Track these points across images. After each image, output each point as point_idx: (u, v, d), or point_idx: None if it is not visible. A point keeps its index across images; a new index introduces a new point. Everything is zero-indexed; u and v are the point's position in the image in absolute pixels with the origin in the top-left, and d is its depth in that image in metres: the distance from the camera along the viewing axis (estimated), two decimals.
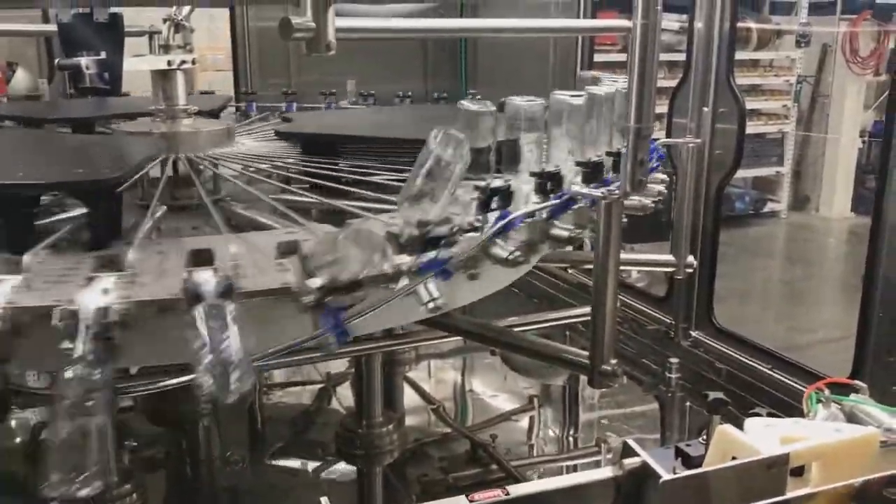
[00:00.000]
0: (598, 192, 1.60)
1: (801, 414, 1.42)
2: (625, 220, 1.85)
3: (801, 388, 1.53)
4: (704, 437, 1.32)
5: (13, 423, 2.92)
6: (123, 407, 2.65)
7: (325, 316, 1.24)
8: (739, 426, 1.27)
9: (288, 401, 3.49)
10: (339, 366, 3.43)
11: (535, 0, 2.87)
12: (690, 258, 2.51)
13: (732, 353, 3.14)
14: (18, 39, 5.54)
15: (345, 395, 3.26)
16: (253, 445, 2.85)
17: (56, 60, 2.56)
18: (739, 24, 7.69)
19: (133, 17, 2.24)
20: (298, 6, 1.45)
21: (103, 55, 2.13)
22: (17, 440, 2.91)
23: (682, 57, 3.34)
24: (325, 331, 1.25)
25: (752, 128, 8.00)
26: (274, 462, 2.96)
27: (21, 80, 5.50)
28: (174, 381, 1.80)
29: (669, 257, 2.53)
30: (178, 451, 2.49)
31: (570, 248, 2.47)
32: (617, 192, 1.58)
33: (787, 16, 8.36)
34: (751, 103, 8.12)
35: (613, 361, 1.67)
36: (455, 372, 3.93)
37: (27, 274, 1.26)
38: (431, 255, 1.30)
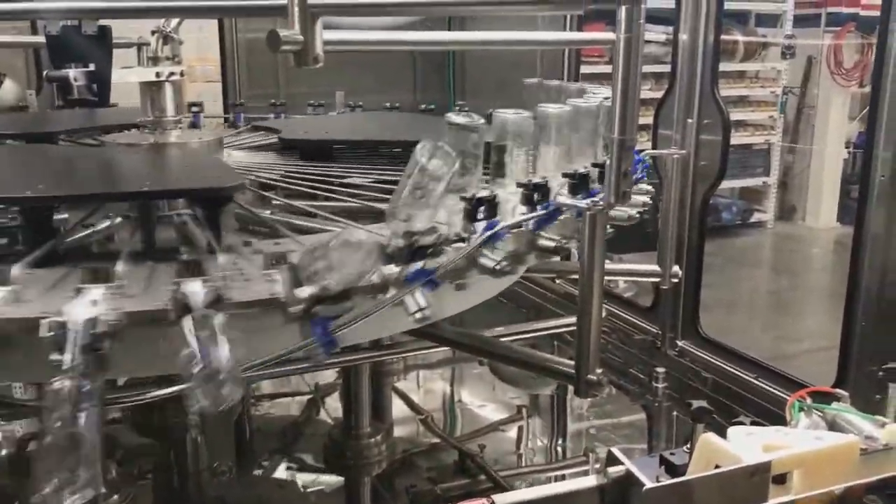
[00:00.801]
0: (582, 203, 1.62)
1: (784, 422, 1.44)
2: (610, 230, 1.87)
3: (785, 396, 1.55)
4: (689, 445, 1.33)
5: None
6: (111, 418, 2.65)
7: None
8: (724, 434, 1.28)
9: (276, 412, 3.48)
10: (327, 377, 3.44)
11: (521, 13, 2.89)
12: (676, 268, 2.53)
13: (718, 363, 3.15)
14: (6, 50, 5.53)
15: (333, 406, 3.26)
16: (241, 457, 2.84)
17: (44, 72, 2.56)
18: (726, 37, 7.78)
19: (121, 28, 2.25)
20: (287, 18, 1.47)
21: (92, 67, 2.14)
22: (3, 452, 2.89)
23: (668, 68, 3.38)
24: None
25: (738, 138, 8.06)
26: (262, 474, 2.96)
27: (9, 90, 5.48)
28: (162, 392, 1.80)
29: (655, 267, 2.55)
30: (165, 462, 2.48)
31: (557, 258, 2.49)
32: (601, 203, 1.59)
33: (773, 28, 8.44)
34: (737, 114, 8.19)
35: (599, 371, 1.68)
36: (443, 382, 3.93)
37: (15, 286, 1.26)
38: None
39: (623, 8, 1.45)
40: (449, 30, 4.47)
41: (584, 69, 4.78)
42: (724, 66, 7.84)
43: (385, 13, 2.05)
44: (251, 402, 3.33)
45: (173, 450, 2.45)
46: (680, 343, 3.35)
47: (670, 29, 3.35)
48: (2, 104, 5.29)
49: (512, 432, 3.42)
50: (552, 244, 1.63)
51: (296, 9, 1.45)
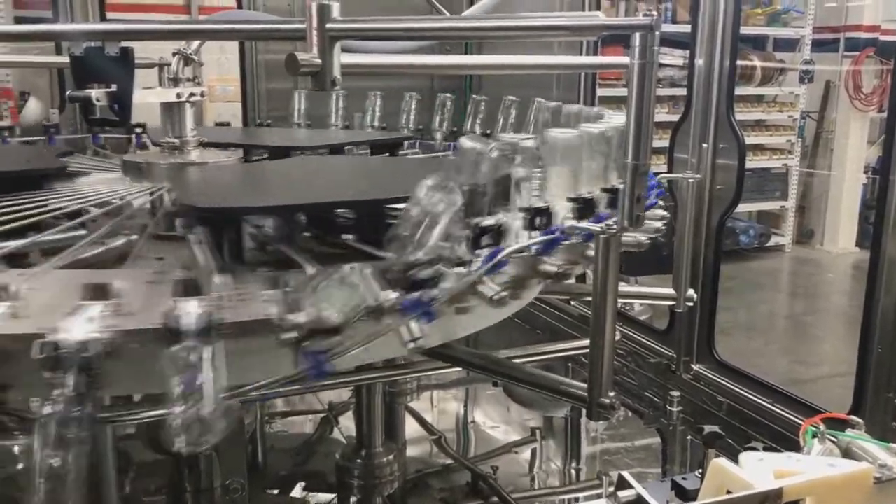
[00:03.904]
0: (596, 227, 1.62)
1: (799, 448, 1.43)
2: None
3: (800, 422, 1.54)
4: (701, 470, 1.33)
5: (15, 448, 2.93)
6: (125, 434, 2.66)
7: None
8: (737, 460, 1.28)
9: (289, 430, 3.49)
10: (341, 395, 3.45)
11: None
12: (691, 292, 2.52)
13: (733, 387, 3.14)
14: (30, 70, 5.63)
15: (347, 425, 3.26)
16: (254, 475, 2.85)
17: (67, 92, 2.60)
18: (743, 61, 7.80)
19: (143, 48, 2.29)
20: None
21: (114, 87, 2.17)
22: (20, 466, 2.91)
23: (684, 92, 3.39)
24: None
25: (756, 162, 8.05)
26: (274, 492, 2.96)
27: (33, 109, 5.58)
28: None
29: (670, 291, 2.54)
30: (178, 479, 2.49)
31: (572, 280, 2.49)
32: (615, 227, 1.60)
33: (791, 52, 8.44)
34: (755, 138, 8.19)
35: (612, 394, 1.67)
36: (457, 403, 3.93)
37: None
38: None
39: (638, 34, 1.46)
40: (466, 53, 4.52)
41: (601, 92, 4.80)
42: (741, 91, 7.86)
43: (403, 38, 2.07)
44: (265, 420, 3.34)
45: (186, 467, 2.46)
46: (695, 367, 3.33)
47: (687, 53, 3.36)
48: (26, 122, 5.39)
49: (525, 454, 3.41)
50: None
51: (314, 32, 1.48)
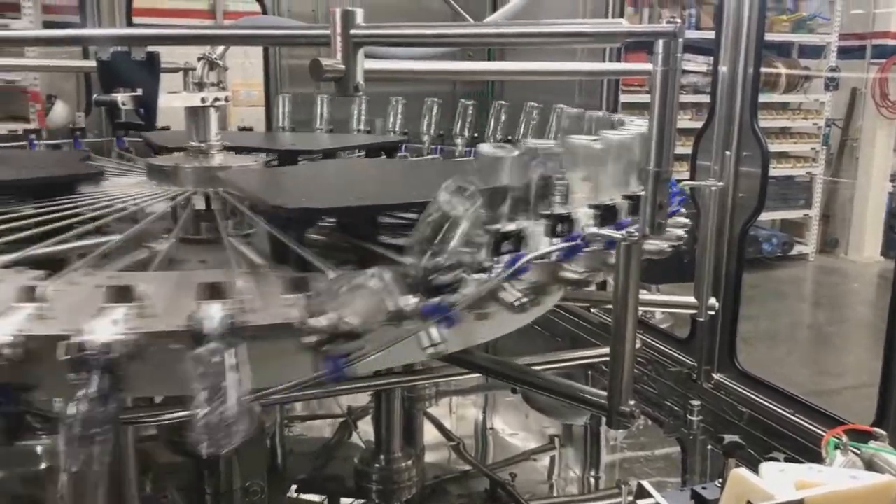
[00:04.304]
0: (617, 234, 1.62)
1: (821, 460, 1.42)
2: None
3: (822, 433, 1.52)
4: (721, 480, 1.32)
5: (38, 448, 2.96)
6: (146, 436, 2.68)
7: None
8: (757, 470, 1.27)
9: (309, 434, 3.50)
10: (360, 400, 3.45)
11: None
12: (713, 300, 2.51)
13: (754, 397, 3.11)
14: (58, 74, 5.71)
15: (365, 430, 3.27)
16: (273, 478, 2.86)
17: (93, 96, 2.64)
18: (768, 68, 7.74)
19: (169, 53, 2.31)
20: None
21: (139, 91, 2.19)
22: (42, 466, 2.94)
23: (708, 99, 3.37)
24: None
25: (780, 170, 7.99)
26: (293, 496, 2.97)
27: (59, 112, 5.66)
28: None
29: (691, 299, 2.53)
30: (198, 481, 2.51)
31: (593, 287, 2.48)
32: (636, 234, 1.59)
33: (817, 59, 8.37)
34: (779, 146, 8.13)
35: (632, 402, 1.67)
36: (476, 409, 3.92)
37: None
38: (436, 301, 1.32)
39: (661, 41, 1.46)
40: (488, 59, 4.52)
41: (624, 98, 4.78)
42: (765, 98, 7.80)
43: (426, 44, 2.08)
44: (284, 424, 3.36)
45: (206, 468, 2.47)
46: (716, 376, 3.31)
47: (711, 59, 3.35)
48: (53, 125, 5.47)
49: (544, 462, 3.40)
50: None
51: (338, 38, 1.48)
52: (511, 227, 1.51)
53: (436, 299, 1.31)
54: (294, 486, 3.00)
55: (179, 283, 1.43)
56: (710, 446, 3.16)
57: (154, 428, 2.64)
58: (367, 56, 1.54)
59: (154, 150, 2.89)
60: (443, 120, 3.31)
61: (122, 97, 2.13)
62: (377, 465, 2.72)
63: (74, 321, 1.20)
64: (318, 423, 3.57)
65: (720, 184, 3.06)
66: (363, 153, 3.07)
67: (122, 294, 1.28)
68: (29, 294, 1.29)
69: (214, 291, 1.32)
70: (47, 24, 5.73)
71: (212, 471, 2.44)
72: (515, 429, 3.75)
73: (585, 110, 2.75)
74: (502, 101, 3.21)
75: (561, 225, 1.63)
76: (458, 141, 3.25)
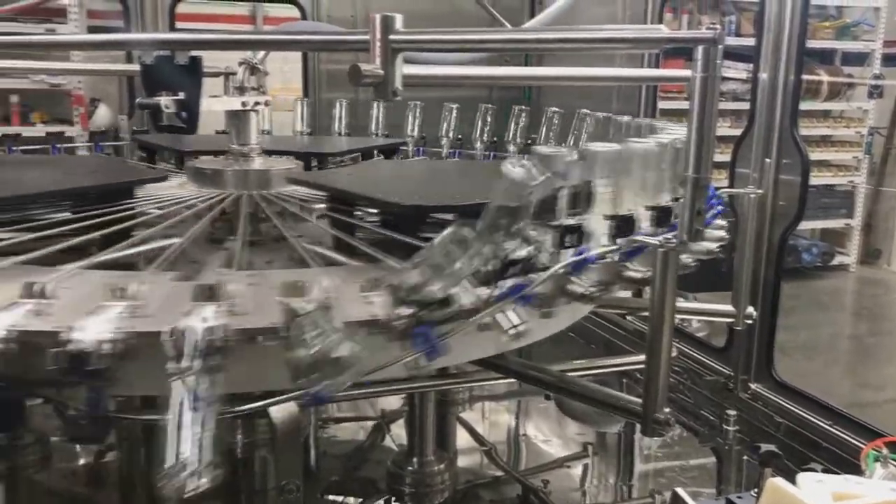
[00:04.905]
0: (654, 240, 1.61)
1: (859, 472, 1.40)
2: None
3: (861, 445, 1.50)
4: (756, 490, 1.31)
5: (78, 445, 3.02)
6: None
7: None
8: (794, 481, 1.25)
9: (342, 436, 3.52)
10: (393, 403, 3.46)
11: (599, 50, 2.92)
12: (750, 309, 2.47)
13: (792, 408, 3.07)
14: (101, 77, 5.83)
15: (398, 433, 3.28)
16: (307, 478, 2.88)
17: (136, 100, 2.69)
18: (810, 76, 7.64)
19: (210, 57, 2.35)
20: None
21: (182, 95, 2.23)
22: (82, 462, 3.00)
23: (747, 106, 3.34)
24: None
25: (820, 179, 7.86)
26: (326, 497, 2.99)
27: (102, 115, 5.77)
28: (234, 409, 1.85)
29: (729, 308, 2.49)
30: (234, 479, 2.54)
31: (629, 293, 2.47)
32: (674, 240, 1.59)
33: (860, 67, 8.24)
34: (820, 154, 8.00)
35: (667, 410, 1.66)
36: (509, 415, 3.92)
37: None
38: (510, 282, 1.32)
39: (700, 47, 1.45)
40: (526, 65, 4.52)
41: (663, 104, 4.75)
42: (807, 105, 7.69)
43: (466, 49, 2.09)
44: (319, 425, 3.38)
45: (242, 467, 2.50)
46: (753, 386, 3.27)
47: (751, 66, 3.32)
48: (96, 128, 5.57)
49: (577, 469, 3.38)
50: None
51: (378, 44, 1.50)
52: (571, 222, 1.52)
53: (510, 281, 1.32)
54: (327, 488, 3.02)
55: (262, 283, 1.46)
56: (745, 457, 3.13)
57: None
58: (404, 61, 1.55)
59: (175, 154, 2.95)
60: (463, 124, 3.33)
61: (164, 100, 2.17)
62: (410, 468, 2.72)
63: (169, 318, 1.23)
64: (351, 426, 3.59)
65: (759, 191, 3.03)
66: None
67: (210, 293, 1.30)
68: (122, 293, 1.31)
69: (296, 289, 1.34)
70: (92, 29, 5.85)
71: (247, 469, 2.47)
72: (548, 435, 3.74)
73: (634, 118, 2.74)
74: (523, 106, 3.22)
75: (620, 225, 1.64)
76: (478, 145, 3.27)
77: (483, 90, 4.61)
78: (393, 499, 2.80)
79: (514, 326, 1.34)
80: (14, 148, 3.11)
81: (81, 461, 3.01)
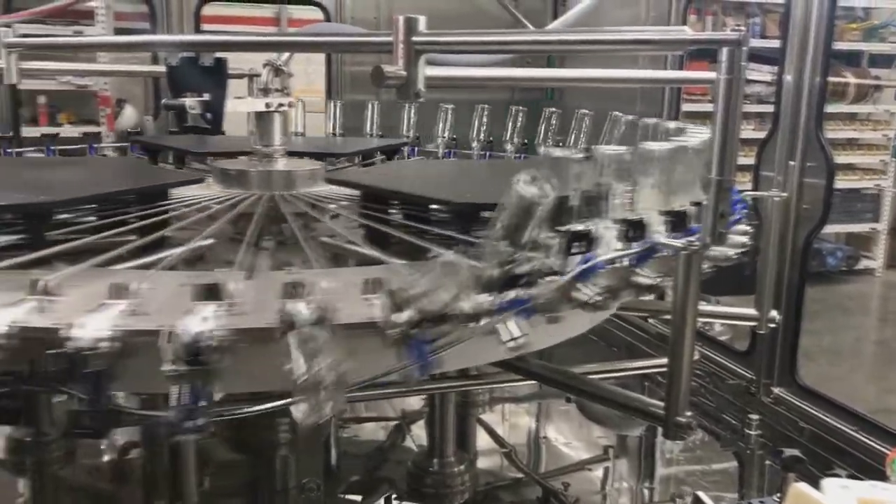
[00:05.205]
0: (677, 243, 1.61)
1: (884, 478, 1.39)
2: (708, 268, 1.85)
3: (887, 451, 1.48)
4: (779, 495, 1.30)
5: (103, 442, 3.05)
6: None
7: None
8: (817, 486, 1.24)
9: (363, 436, 3.53)
10: (414, 403, 3.47)
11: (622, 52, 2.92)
12: (774, 313, 2.45)
13: (816, 413, 3.04)
14: (127, 78, 5.89)
15: (418, 434, 3.29)
16: (327, 478, 2.90)
17: (162, 100, 2.71)
18: (836, 78, 7.56)
19: (235, 59, 2.36)
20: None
21: (207, 96, 2.25)
22: (106, 458, 3.04)
23: (772, 109, 3.31)
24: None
25: (846, 182, 7.78)
26: (346, 496, 3.00)
27: (128, 116, 5.84)
28: (255, 408, 1.86)
29: (751, 311, 2.48)
30: (255, 478, 2.55)
31: (651, 296, 2.46)
32: (698, 242, 1.58)
33: (888, 69, 8.14)
34: (846, 157, 7.92)
35: (689, 413, 1.65)
36: (529, 417, 3.91)
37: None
38: (512, 294, 1.32)
39: (725, 49, 1.45)
40: (548, 66, 4.52)
41: (687, 107, 4.73)
42: (832, 108, 7.61)
43: (489, 51, 2.09)
44: (339, 425, 3.39)
45: (263, 466, 2.51)
46: (775, 390, 3.24)
47: (776, 69, 3.29)
48: (122, 128, 5.63)
49: (597, 472, 3.37)
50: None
51: (401, 45, 1.50)
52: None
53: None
54: (347, 488, 3.03)
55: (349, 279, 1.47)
56: (768, 462, 3.10)
57: (213, 425, 2.69)
58: (427, 63, 1.56)
59: (176, 154, 2.97)
60: (492, 126, 3.32)
61: (189, 101, 2.19)
62: (430, 469, 2.73)
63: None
64: (371, 426, 3.60)
65: (783, 194, 3.01)
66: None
67: (296, 290, 1.33)
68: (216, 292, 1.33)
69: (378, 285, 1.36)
70: (119, 31, 5.91)
71: (268, 468, 2.48)
72: (568, 438, 3.73)
73: (659, 120, 2.73)
74: (553, 108, 3.21)
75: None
76: (508, 147, 3.26)
77: (504, 92, 4.61)
78: (393, 496, 2.80)
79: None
80: (52, 148, 3.12)
81: (105, 457, 3.05)
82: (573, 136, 3.03)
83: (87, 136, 5.04)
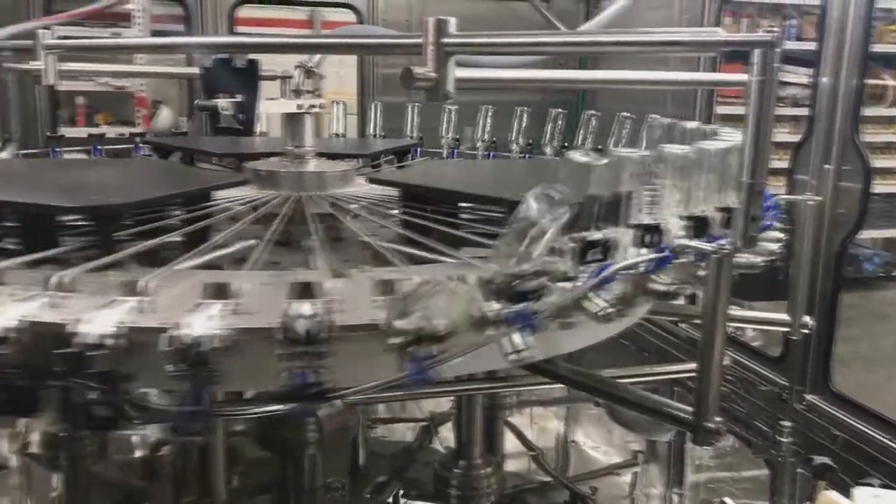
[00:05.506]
0: (708, 247, 1.59)
1: None
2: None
3: None
4: (809, 503, 1.28)
5: (134, 438, 3.09)
6: (235, 431, 2.77)
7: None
8: (848, 494, 1.23)
9: (390, 436, 3.54)
10: (442, 404, 3.47)
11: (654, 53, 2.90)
12: (807, 318, 2.42)
13: (849, 420, 2.99)
14: (164, 80, 5.97)
15: (446, 436, 3.29)
16: (354, 478, 2.91)
17: (195, 101, 2.75)
18: (874, 80, 7.43)
19: (268, 61, 2.39)
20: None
21: (239, 97, 2.28)
22: (138, 454, 3.07)
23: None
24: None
25: (885, 187, 7.63)
26: (373, 497, 3.01)
27: (164, 117, 5.91)
28: (283, 407, 1.87)
29: (784, 317, 2.44)
30: (283, 476, 2.57)
31: (682, 301, 2.43)
32: (728, 247, 1.56)
33: None
34: (884, 161, 7.77)
35: (718, 419, 1.63)
36: (558, 420, 3.90)
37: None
38: (519, 307, 1.31)
39: (757, 51, 1.43)
40: (580, 68, 4.50)
41: (722, 109, 4.67)
42: (870, 111, 7.47)
43: (519, 52, 2.09)
44: (367, 425, 3.41)
45: (291, 465, 2.53)
46: (808, 397, 3.19)
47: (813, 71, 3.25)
48: (158, 129, 5.72)
49: (626, 477, 3.35)
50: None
51: (430, 47, 1.51)
52: (597, 235, 1.50)
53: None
54: (374, 488, 3.04)
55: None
56: (799, 469, 3.06)
57: (243, 423, 2.72)
58: (458, 65, 1.55)
59: (187, 154, 2.99)
60: (531, 129, 3.30)
61: (222, 103, 2.22)
62: (457, 471, 2.73)
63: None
64: (399, 427, 3.61)
65: (818, 198, 2.97)
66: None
67: (388, 287, 1.36)
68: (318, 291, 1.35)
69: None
70: (155, 34, 5.99)
71: (297, 467, 2.50)
72: (597, 442, 3.71)
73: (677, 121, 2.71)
74: (593, 111, 3.19)
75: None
76: (547, 150, 3.24)
77: (536, 94, 4.60)
78: (400, 492, 2.80)
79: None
80: (99, 148, 3.16)
81: (137, 453, 3.09)
82: (612, 139, 3.02)
83: (125, 137, 5.11)
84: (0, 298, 1.33)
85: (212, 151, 2.90)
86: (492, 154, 3.30)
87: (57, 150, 3.11)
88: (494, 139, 3.35)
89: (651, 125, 2.72)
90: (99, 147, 3.17)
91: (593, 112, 3.15)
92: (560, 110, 3.26)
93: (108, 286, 1.36)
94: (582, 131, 3.14)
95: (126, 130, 5.76)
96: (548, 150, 3.24)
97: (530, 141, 3.29)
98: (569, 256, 1.41)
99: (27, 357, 1.23)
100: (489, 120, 3.33)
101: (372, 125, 3.58)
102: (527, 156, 3.26)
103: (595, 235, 1.48)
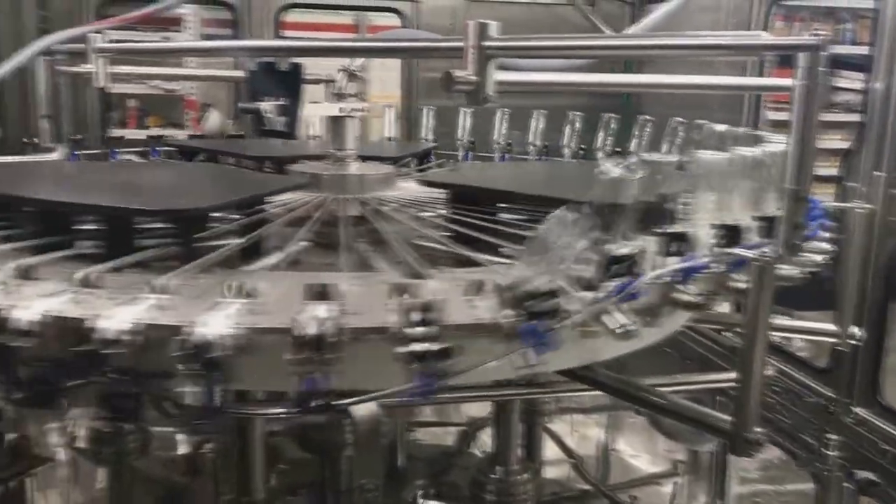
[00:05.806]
0: (749, 254, 1.56)
1: None
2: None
3: None
4: None
5: (178, 435, 3.14)
6: (274, 430, 2.80)
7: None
8: None
9: (428, 440, 3.54)
10: (482, 409, 3.46)
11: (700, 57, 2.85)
12: (855, 329, 2.36)
13: None
14: (213, 84, 6.08)
15: (485, 441, 3.28)
16: (391, 480, 2.91)
17: (238, 104, 2.79)
18: None
19: (312, 65, 2.41)
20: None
21: (283, 101, 2.30)
22: (181, 451, 3.12)
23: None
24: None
25: None
26: (410, 500, 3.01)
27: (213, 120, 6.01)
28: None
29: (831, 327, 2.39)
30: (320, 477, 2.59)
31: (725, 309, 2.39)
32: (770, 255, 1.53)
33: None
34: None
35: (759, 430, 1.60)
36: (598, 428, 3.86)
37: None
38: (532, 323, 1.29)
39: (802, 55, 1.40)
40: (625, 72, 4.46)
41: (773, 115, 4.59)
42: None
43: (561, 56, 2.07)
44: (405, 428, 3.41)
45: (329, 466, 2.55)
46: (856, 410, 3.11)
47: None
48: (207, 131, 5.82)
49: (667, 487, 3.30)
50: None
51: (471, 50, 1.51)
52: (625, 249, 1.44)
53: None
54: (412, 491, 3.05)
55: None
56: (846, 484, 2.98)
57: (284, 423, 2.74)
58: (503, 68, 1.55)
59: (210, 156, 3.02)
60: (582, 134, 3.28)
61: (265, 105, 2.24)
62: (494, 477, 2.72)
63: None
64: (438, 430, 3.61)
65: (868, 206, 2.90)
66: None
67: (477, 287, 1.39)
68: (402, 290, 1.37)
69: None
70: (205, 38, 6.10)
71: (334, 468, 2.52)
72: (638, 451, 3.67)
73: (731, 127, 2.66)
74: (647, 117, 3.14)
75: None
76: (600, 155, 3.20)
77: (581, 98, 4.57)
78: (420, 493, 2.79)
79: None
80: (157, 149, 3.22)
81: (180, 450, 3.14)
82: (667, 145, 2.98)
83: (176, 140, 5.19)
84: (101, 303, 1.31)
85: (235, 153, 2.96)
86: (543, 159, 3.29)
87: (116, 151, 3.19)
88: (546, 144, 3.33)
89: (704, 131, 2.68)
90: (157, 149, 3.23)
91: (648, 117, 3.11)
92: (612, 115, 3.22)
93: (207, 288, 1.37)
94: (636, 138, 3.10)
95: (176, 132, 5.89)
96: (600, 155, 3.20)
97: (583, 146, 3.26)
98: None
99: (140, 361, 1.24)
100: (541, 125, 3.31)
101: (423, 129, 3.59)
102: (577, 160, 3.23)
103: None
